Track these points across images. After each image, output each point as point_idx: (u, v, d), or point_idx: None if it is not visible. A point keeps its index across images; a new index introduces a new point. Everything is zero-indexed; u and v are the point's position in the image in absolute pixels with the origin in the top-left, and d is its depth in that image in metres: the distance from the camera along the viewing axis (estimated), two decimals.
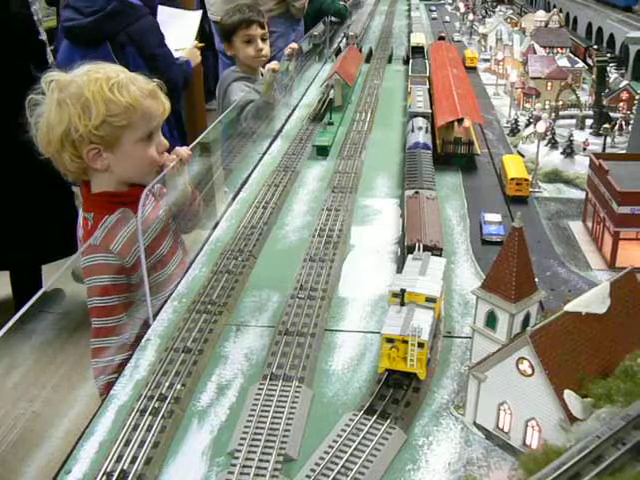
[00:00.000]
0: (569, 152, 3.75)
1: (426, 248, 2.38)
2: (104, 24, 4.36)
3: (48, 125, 2.47)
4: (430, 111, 4.18)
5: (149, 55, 4.60)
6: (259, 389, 1.93)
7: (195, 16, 5.41)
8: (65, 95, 2.44)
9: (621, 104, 4.44)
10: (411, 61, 6.13)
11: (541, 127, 3.61)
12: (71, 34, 4.46)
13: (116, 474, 1.63)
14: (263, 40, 4.97)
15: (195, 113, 6.75)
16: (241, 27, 4.90)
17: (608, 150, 3.70)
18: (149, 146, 2.60)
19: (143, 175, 2.62)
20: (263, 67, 5.09)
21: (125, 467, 1.66)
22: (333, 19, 8.33)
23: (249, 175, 3.83)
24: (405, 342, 1.87)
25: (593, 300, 1.70)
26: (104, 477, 1.63)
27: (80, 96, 2.43)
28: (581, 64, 5.59)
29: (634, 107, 4.19)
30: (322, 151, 4.06)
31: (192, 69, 5.07)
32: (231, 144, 4.10)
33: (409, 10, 10.37)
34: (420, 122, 3.94)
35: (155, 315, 2.42)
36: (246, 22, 4.88)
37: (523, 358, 1.61)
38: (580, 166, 3.57)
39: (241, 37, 4.89)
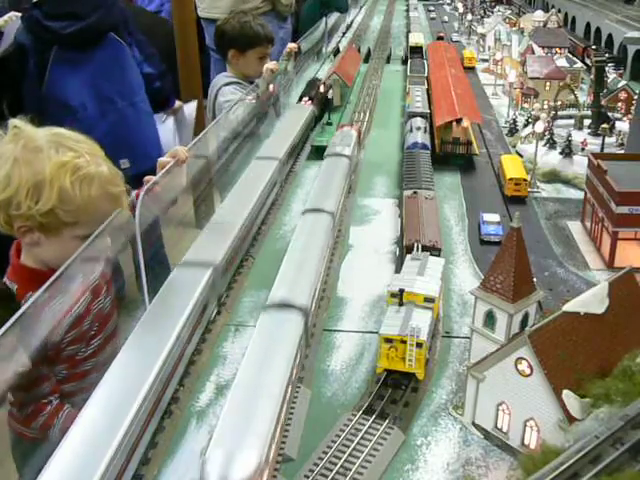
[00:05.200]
0: (567, 152, 3.75)
1: (425, 248, 2.39)
2: (107, 18, 4.20)
3: None
4: (429, 111, 4.18)
5: (138, 41, 4.41)
6: None
7: None
8: (23, 160, 2.11)
9: (619, 104, 4.44)
10: (410, 61, 6.14)
11: (539, 127, 3.61)
12: (76, 39, 4.19)
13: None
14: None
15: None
16: (262, 44, 4.87)
17: (613, 150, 3.71)
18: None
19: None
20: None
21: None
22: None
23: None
24: (404, 342, 1.87)
25: (592, 300, 1.70)
26: None
27: (38, 172, 2.09)
28: (579, 64, 5.60)
29: (632, 108, 4.20)
30: (320, 151, 4.06)
31: None
32: (229, 144, 4.10)
33: (407, 10, 10.37)
34: (419, 122, 3.95)
35: None
36: (267, 40, 4.87)
37: (522, 358, 1.61)
38: (578, 166, 3.58)
39: (258, 52, 4.85)
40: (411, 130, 3.86)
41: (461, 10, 9.55)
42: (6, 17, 4.43)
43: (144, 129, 4.28)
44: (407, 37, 7.51)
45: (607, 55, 5.50)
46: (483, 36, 7.38)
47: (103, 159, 2.25)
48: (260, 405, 1.60)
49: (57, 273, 1.85)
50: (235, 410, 1.59)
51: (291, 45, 5.89)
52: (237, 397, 1.63)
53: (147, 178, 2.47)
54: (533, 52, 5.51)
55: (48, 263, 2.23)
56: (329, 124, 4.46)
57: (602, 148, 3.63)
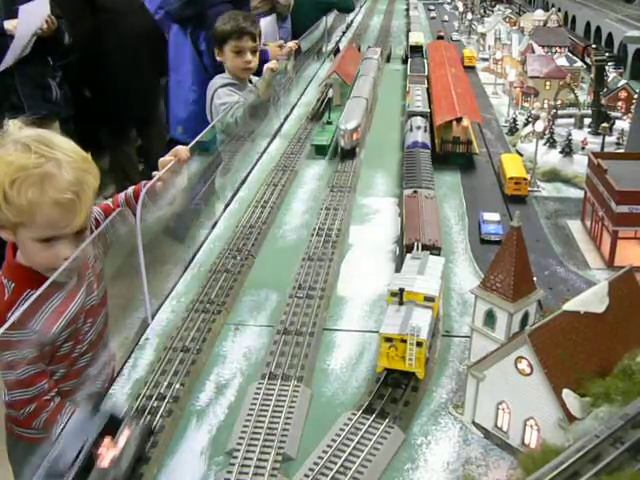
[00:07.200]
0: (567, 151, 3.75)
1: (425, 247, 2.38)
2: (184, 9, 5.28)
3: None
4: (429, 110, 4.18)
5: (209, 39, 5.14)
6: (258, 388, 1.94)
7: (271, 19, 6.29)
8: None
9: (619, 103, 4.44)
10: (410, 60, 6.14)
11: (539, 126, 3.61)
12: (168, 16, 5.52)
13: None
14: (253, 52, 4.91)
15: None
16: (232, 37, 4.83)
17: (613, 149, 3.70)
18: (48, 249, 2.15)
19: (42, 270, 2.20)
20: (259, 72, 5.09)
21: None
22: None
23: (248, 174, 3.83)
24: (404, 341, 1.87)
25: (592, 299, 1.70)
26: None
27: None
28: (580, 63, 5.59)
29: (632, 107, 4.20)
30: (321, 150, 4.06)
31: (266, 59, 5.34)
32: (230, 144, 4.10)
33: (407, 9, 10.37)
34: (419, 121, 3.95)
35: (154, 315, 2.42)
36: (238, 33, 4.81)
37: (522, 357, 1.61)
38: (578, 165, 3.57)
39: (231, 47, 4.82)
40: (411, 129, 3.86)
41: (461, 9, 9.55)
42: (14, 22, 4.55)
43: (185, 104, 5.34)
44: (407, 36, 7.51)
45: (607, 54, 5.50)
46: (483, 35, 7.37)
47: (77, 166, 2.13)
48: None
49: (52, 277, 1.88)
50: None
51: (291, 44, 5.88)
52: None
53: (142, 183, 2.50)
54: (533, 51, 5.51)
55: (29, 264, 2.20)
56: (329, 123, 4.45)
57: (602, 147, 3.63)
